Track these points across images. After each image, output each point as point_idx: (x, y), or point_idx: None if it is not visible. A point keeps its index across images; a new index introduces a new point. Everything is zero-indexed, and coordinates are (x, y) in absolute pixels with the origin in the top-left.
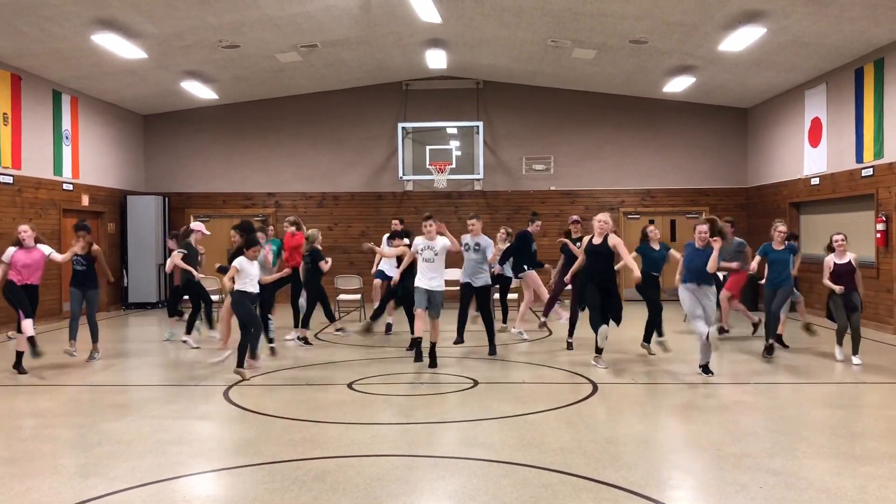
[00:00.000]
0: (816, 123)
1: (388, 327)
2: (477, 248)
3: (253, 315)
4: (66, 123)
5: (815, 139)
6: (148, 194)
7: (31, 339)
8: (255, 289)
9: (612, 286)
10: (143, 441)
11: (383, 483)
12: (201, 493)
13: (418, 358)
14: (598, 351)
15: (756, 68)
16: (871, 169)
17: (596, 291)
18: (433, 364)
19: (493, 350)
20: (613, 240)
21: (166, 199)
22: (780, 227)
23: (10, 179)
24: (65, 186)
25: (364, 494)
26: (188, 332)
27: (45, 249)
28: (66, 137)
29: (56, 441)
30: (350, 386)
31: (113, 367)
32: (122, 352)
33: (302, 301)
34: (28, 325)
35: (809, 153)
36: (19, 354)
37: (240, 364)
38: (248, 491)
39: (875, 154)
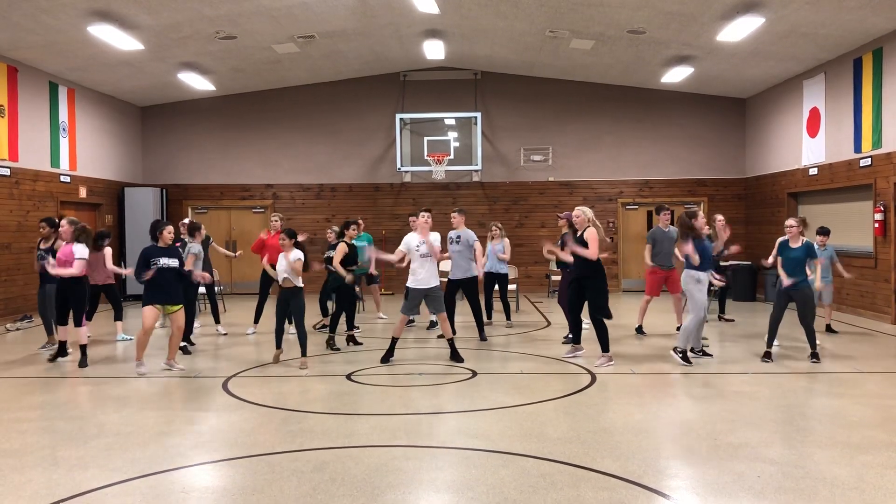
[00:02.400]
0: (815, 113)
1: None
2: (458, 240)
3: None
4: (63, 115)
5: (813, 129)
6: (145, 186)
7: (61, 343)
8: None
9: (587, 282)
10: (142, 433)
11: (382, 473)
12: (200, 485)
13: (386, 358)
14: (604, 349)
15: (754, 58)
16: (870, 159)
17: (573, 292)
18: (460, 359)
19: (483, 336)
20: (588, 233)
21: (164, 190)
22: (789, 222)
23: (7, 172)
24: (62, 178)
25: (363, 485)
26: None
27: (77, 251)
28: (63, 129)
29: (55, 433)
30: (349, 377)
31: (111, 360)
32: (120, 344)
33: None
34: (62, 332)
35: (808, 143)
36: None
37: (303, 353)
38: (246, 482)
39: (873, 144)
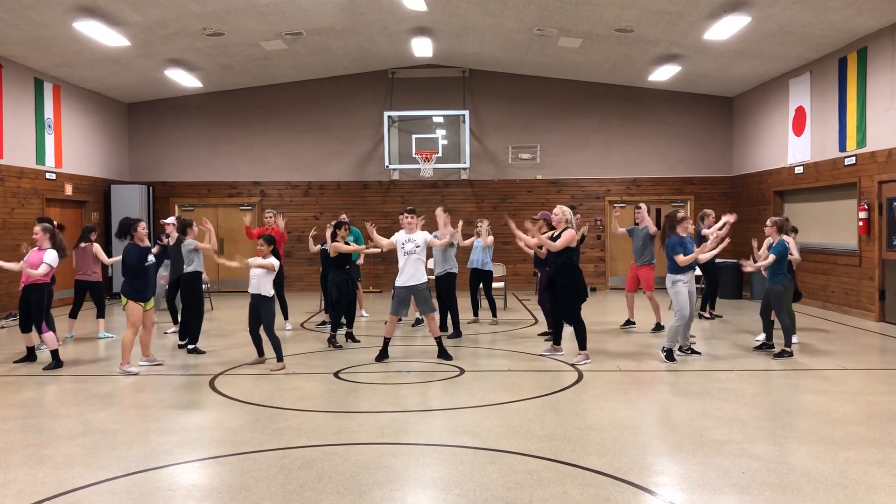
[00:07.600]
0: (800, 112)
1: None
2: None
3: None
4: (49, 112)
5: (798, 128)
6: (132, 183)
7: (28, 349)
8: (255, 290)
9: (559, 280)
10: (129, 430)
11: (369, 471)
12: (187, 483)
13: (381, 357)
14: (581, 347)
15: (741, 57)
16: (854, 157)
17: (549, 292)
18: (448, 356)
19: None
20: (566, 234)
21: (150, 188)
22: (767, 221)
23: None
24: (48, 175)
25: (350, 482)
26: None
27: (47, 257)
28: (49, 126)
29: (41, 431)
30: (336, 375)
31: (95, 357)
32: (102, 341)
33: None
34: (27, 338)
35: (793, 142)
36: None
37: (279, 358)
38: (234, 480)
39: (858, 143)
